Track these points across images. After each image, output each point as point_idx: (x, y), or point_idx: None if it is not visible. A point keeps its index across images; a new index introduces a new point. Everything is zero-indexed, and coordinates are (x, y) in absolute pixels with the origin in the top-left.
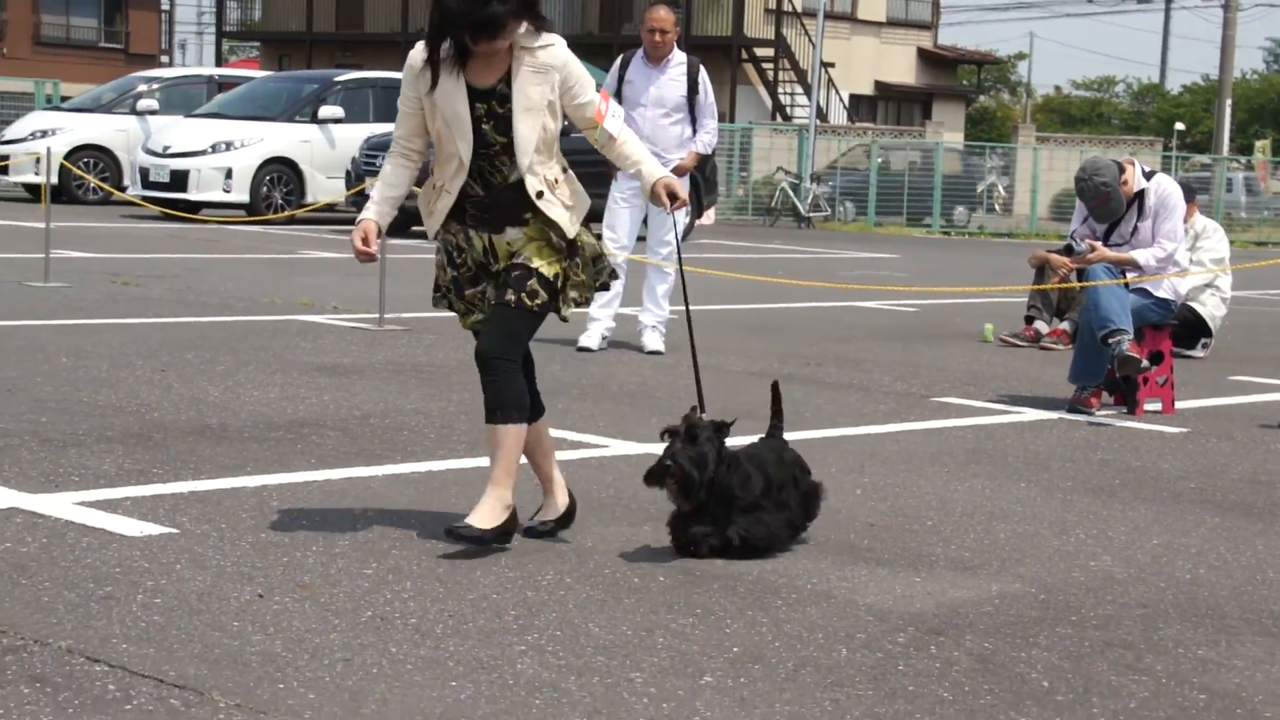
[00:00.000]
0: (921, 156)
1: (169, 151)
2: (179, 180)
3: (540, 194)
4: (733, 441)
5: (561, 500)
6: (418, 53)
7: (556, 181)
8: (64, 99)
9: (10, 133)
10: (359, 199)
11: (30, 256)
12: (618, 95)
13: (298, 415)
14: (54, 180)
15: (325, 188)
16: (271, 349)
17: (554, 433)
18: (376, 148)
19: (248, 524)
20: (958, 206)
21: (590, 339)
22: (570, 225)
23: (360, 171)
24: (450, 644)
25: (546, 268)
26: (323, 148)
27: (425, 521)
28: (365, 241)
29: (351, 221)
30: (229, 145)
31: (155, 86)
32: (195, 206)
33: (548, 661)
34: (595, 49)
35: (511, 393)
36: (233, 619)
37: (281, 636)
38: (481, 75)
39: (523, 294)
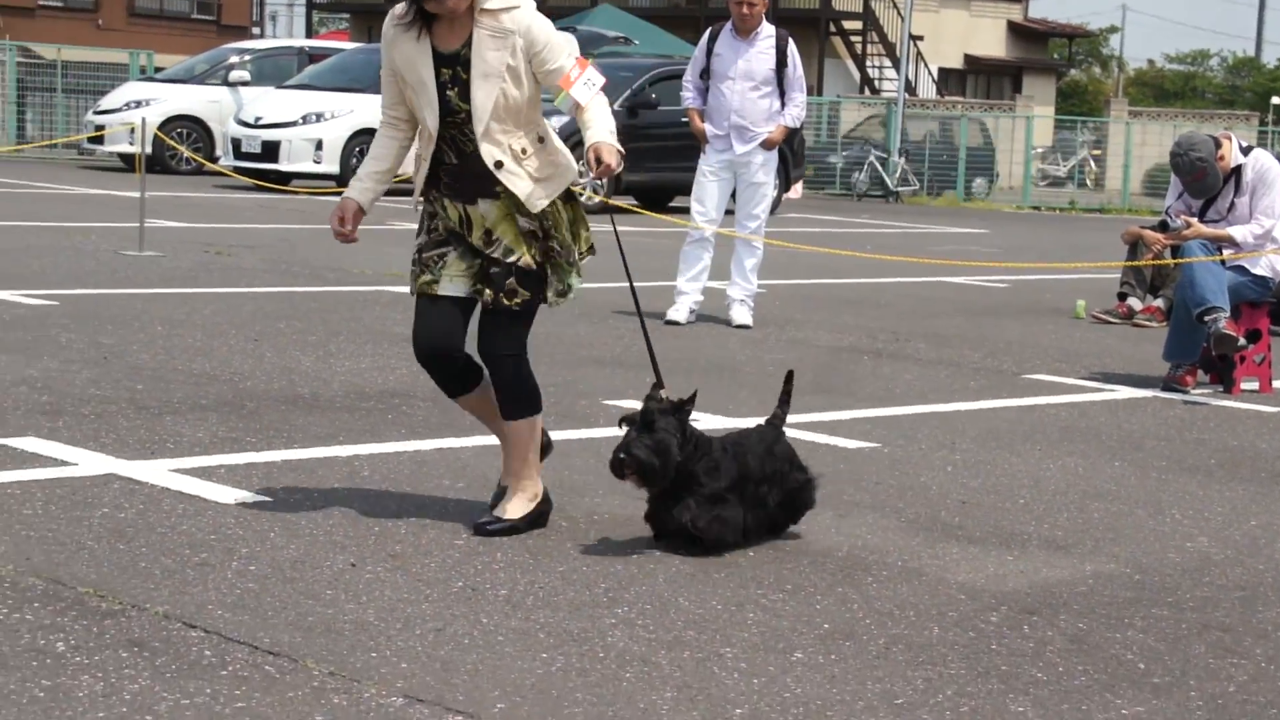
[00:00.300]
0: (939, 127)
1: (260, 122)
2: (270, 151)
3: (499, 164)
4: (743, 424)
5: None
6: (389, 18)
7: (524, 152)
8: (158, 70)
9: (105, 103)
10: None
11: (125, 226)
12: (706, 69)
13: (388, 386)
14: (148, 150)
15: (413, 160)
16: (362, 320)
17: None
18: None
19: (340, 493)
20: (977, 178)
21: (678, 312)
22: (535, 199)
23: None
24: (541, 615)
25: (525, 257)
26: None
27: None
28: (342, 221)
29: None
30: (319, 116)
31: (247, 58)
32: (286, 177)
33: (638, 635)
34: (682, 22)
35: (518, 390)
36: (326, 588)
37: (374, 606)
38: (446, 40)
39: (501, 294)
